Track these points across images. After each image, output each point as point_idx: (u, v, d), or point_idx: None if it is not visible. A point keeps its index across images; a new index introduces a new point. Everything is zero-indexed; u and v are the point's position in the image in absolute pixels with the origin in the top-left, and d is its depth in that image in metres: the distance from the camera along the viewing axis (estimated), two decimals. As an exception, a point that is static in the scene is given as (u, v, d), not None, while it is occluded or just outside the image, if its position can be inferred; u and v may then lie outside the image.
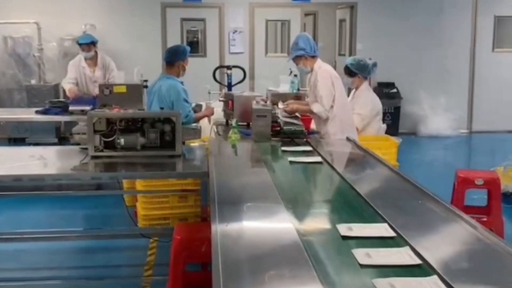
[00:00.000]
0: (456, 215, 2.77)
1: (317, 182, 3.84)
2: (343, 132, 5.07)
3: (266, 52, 11.45)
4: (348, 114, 5.35)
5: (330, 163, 4.00)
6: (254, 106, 4.90)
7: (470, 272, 2.15)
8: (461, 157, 10.25)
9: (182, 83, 5.54)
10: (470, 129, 11.83)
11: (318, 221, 2.87)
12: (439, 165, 9.09)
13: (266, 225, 2.76)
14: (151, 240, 5.29)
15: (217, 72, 6.99)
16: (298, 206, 2.99)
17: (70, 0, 10.68)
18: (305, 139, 4.85)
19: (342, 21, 12.37)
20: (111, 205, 6.03)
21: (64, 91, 8.07)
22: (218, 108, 5.92)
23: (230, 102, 5.59)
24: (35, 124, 8.82)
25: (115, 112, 4.40)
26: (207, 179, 3.74)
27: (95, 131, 4.27)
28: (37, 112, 7.03)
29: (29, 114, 7.28)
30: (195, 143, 4.92)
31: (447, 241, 2.52)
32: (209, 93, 6.31)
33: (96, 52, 7.42)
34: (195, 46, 11.12)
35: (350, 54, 10.93)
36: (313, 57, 5.16)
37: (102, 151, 4.30)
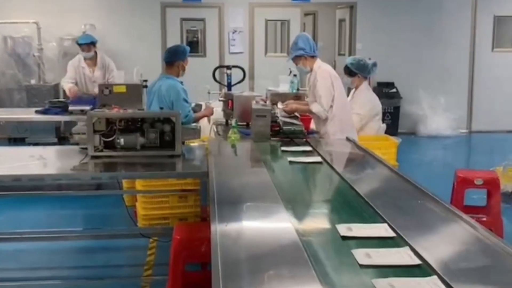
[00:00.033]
0: (456, 215, 2.77)
1: (317, 182, 3.84)
2: (342, 132, 5.08)
3: (266, 52, 11.45)
4: (347, 114, 5.35)
5: (329, 163, 4.00)
6: (254, 106, 4.91)
7: (470, 273, 2.15)
8: (460, 157, 10.26)
9: (181, 83, 5.54)
10: (469, 129, 11.83)
11: (318, 221, 2.88)
12: (438, 165, 9.10)
13: (265, 225, 2.76)
14: (151, 240, 5.29)
15: (217, 72, 6.98)
16: (298, 206, 2.99)
17: (70, 0, 10.69)
18: (304, 139, 4.85)
19: (341, 21, 12.37)
20: (111, 205, 6.03)
21: (64, 91, 8.06)
22: (218, 108, 5.92)
23: (229, 102, 5.60)
24: (34, 124, 8.82)
25: (114, 112, 4.39)
26: (206, 179, 3.74)
27: (95, 131, 4.27)
28: (37, 112, 7.03)
29: (29, 114, 7.28)
30: (194, 143, 4.92)
31: (447, 241, 2.52)
32: (209, 93, 6.31)
33: (95, 52, 7.42)
34: (194, 46, 11.12)
35: (350, 54, 10.93)
36: (313, 57, 5.16)
37: (101, 151, 4.30)
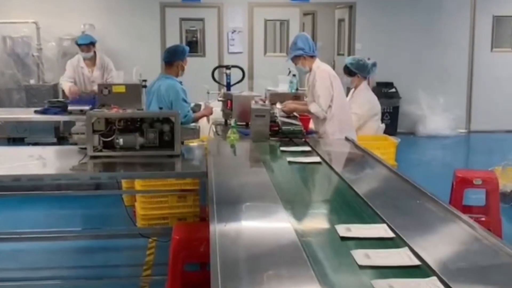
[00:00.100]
0: (455, 215, 2.78)
1: (316, 182, 3.84)
2: (341, 132, 5.08)
3: (265, 52, 11.45)
4: (346, 114, 5.36)
5: (328, 163, 4.01)
6: (253, 106, 4.91)
7: (469, 273, 2.15)
8: (459, 157, 10.26)
9: (181, 83, 5.55)
10: (468, 128, 11.84)
11: (317, 222, 2.88)
12: (437, 165, 9.10)
13: (264, 225, 2.76)
14: (150, 240, 5.29)
15: (216, 72, 6.98)
16: (297, 207, 2.99)
17: (69, 0, 10.68)
18: (303, 139, 4.85)
19: (341, 20, 12.37)
20: (110, 205, 6.03)
21: (62, 90, 8.06)
22: (217, 108, 5.92)
23: (229, 102, 5.60)
24: (34, 124, 8.82)
25: (114, 112, 4.39)
26: (206, 179, 3.74)
27: (94, 131, 4.27)
28: (36, 112, 7.02)
29: (28, 114, 7.27)
30: (194, 143, 4.92)
31: (446, 241, 2.52)
32: (208, 93, 6.31)
33: (94, 52, 7.42)
34: (194, 46, 11.13)
35: (349, 54, 10.93)
36: (312, 57, 5.17)
37: (101, 151, 4.30)
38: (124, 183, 5.86)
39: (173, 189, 5.20)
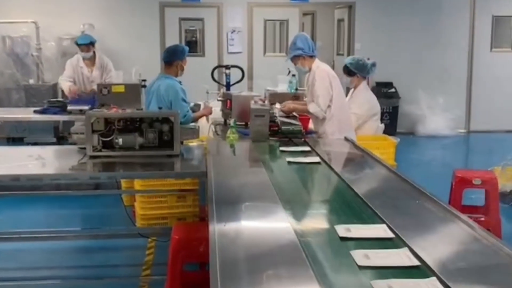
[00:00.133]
0: (454, 216, 2.78)
1: (315, 182, 3.85)
2: (341, 132, 5.08)
3: (265, 51, 11.45)
4: (346, 114, 5.36)
5: (328, 163, 4.01)
6: (252, 106, 4.90)
7: (468, 273, 2.15)
8: (459, 157, 10.26)
9: (180, 82, 5.55)
10: (468, 128, 11.84)
11: (316, 222, 2.87)
12: (437, 165, 9.10)
13: (264, 225, 2.76)
14: (149, 239, 5.29)
15: (216, 71, 6.99)
16: (296, 207, 2.99)
17: (69, 0, 10.67)
18: (303, 139, 4.85)
19: (340, 20, 12.37)
20: (109, 205, 6.03)
21: (62, 90, 8.05)
22: (217, 108, 5.93)
23: (228, 101, 5.60)
24: (33, 124, 8.81)
25: (113, 112, 4.39)
26: (205, 178, 3.74)
27: (93, 131, 4.27)
28: (35, 111, 7.02)
29: (27, 114, 7.27)
30: (193, 143, 4.92)
31: (445, 242, 2.52)
32: (208, 92, 6.31)
33: (94, 52, 7.42)
34: (193, 45, 11.13)
35: (348, 54, 10.93)
36: (311, 56, 5.17)
37: (100, 150, 4.30)
38: (124, 183, 5.86)
39: (172, 189, 5.20)
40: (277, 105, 5.36)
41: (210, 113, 5.83)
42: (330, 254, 2.37)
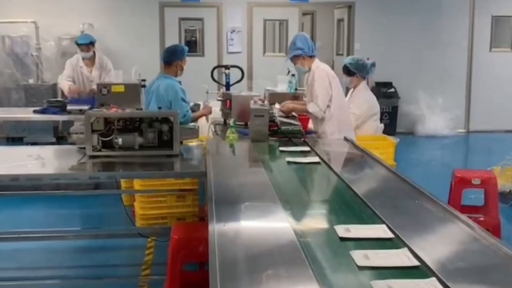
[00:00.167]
0: (453, 216, 2.78)
1: (315, 182, 3.85)
2: (340, 132, 5.08)
3: (264, 51, 11.45)
4: (345, 114, 5.36)
5: (327, 163, 4.01)
6: (252, 105, 4.91)
7: (468, 274, 2.15)
8: (458, 157, 10.27)
9: (180, 82, 5.55)
10: (467, 128, 11.85)
11: (316, 222, 2.87)
12: (436, 165, 9.10)
13: (263, 225, 2.76)
14: (149, 239, 5.29)
15: (215, 71, 6.99)
16: (296, 207, 2.99)
17: (68, 0, 10.67)
18: (302, 139, 4.85)
19: (340, 20, 12.37)
20: (109, 205, 6.03)
21: (62, 90, 8.05)
22: (216, 108, 5.93)
23: (228, 101, 5.60)
24: (33, 124, 8.81)
25: (113, 111, 4.39)
26: (205, 178, 3.74)
27: (93, 131, 4.27)
28: (35, 111, 7.01)
29: (27, 114, 7.27)
30: (193, 143, 4.93)
31: (445, 242, 2.52)
32: (207, 92, 6.31)
33: (94, 52, 7.42)
34: (193, 45, 11.13)
35: (348, 54, 10.94)
36: (311, 56, 5.17)
37: (100, 150, 4.30)
38: (123, 183, 5.86)
39: (172, 188, 5.20)
40: (277, 105, 5.36)
41: (210, 113, 5.83)
42: (330, 254, 2.37)
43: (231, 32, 11.23)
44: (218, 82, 7.06)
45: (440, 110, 11.24)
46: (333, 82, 5.13)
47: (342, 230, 2.54)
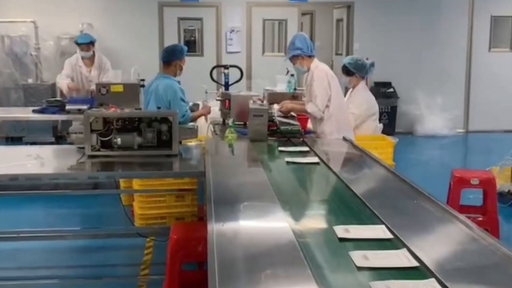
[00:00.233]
0: (452, 216, 2.78)
1: (314, 182, 3.85)
2: (339, 132, 5.08)
3: (263, 51, 11.45)
4: (344, 114, 5.37)
5: (326, 163, 4.01)
6: (251, 105, 4.91)
7: (467, 274, 2.15)
8: (457, 157, 10.27)
9: (179, 82, 5.55)
10: (466, 128, 11.85)
11: (315, 222, 2.88)
12: (435, 165, 9.11)
13: (262, 225, 2.76)
14: (148, 239, 5.29)
15: (214, 71, 6.99)
16: (295, 207, 2.99)
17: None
18: (301, 139, 4.85)
19: (339, 20, 12.38)
20: (108, 204, 6.03)
21: (61, 90, 8.04)
22: (215, 107, 5.93)
23: (227, 101, 5.60)
24: (32, 123, 8.80)
25: (112, 111, 4.39)
26: (203, 178, 3.74)
27: (92, 131, 4.27)
28: (34, 111, 7.01)
29: (26, 113, 7.27)
30: (192, 143, 4.93)
31: (444, 242, 2.52)
32: (206, 92, 6.30)
33: (93, 51, 7.41)
34: (192, 45, 11.13)
35: (347, 54, 10.94)
36: (310, 56, 5.17)
37: (99, 150, 4.30)
38: (122, 183, 5.86)
39: (171, 188, 5.20)
40: (276, 106, 5.36)
41: (209, 113, 5.83)
42: (329, 255, 2.37)
43: (230, 32, 11.23)
44: (217, 82, 7.06)
45: (439, 110, 11.25)
46: (332, 82, 5.14)
47: (341, 231, 2.54)
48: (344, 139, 4.95)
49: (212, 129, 5.54)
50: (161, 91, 5.39)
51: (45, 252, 5.16)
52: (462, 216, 2.73)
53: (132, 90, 5.69)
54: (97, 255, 5.17)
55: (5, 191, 5.29)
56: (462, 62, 11.68)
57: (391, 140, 5.97)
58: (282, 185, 3.43)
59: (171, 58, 5.57)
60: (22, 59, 10.32)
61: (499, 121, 11.60)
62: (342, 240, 2.47)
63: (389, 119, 10.98)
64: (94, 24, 10.37)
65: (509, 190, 6.54)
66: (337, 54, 12.39)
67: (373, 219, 2.75)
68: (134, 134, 4.33)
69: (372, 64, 6.27)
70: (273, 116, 5.02)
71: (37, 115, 6.96)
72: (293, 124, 4.99)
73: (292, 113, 5.34)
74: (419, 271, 2.17)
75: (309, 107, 5.12)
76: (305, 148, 4.50)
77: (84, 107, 6.28)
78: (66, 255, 5.17)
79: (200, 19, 11.29)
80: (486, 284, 2.08)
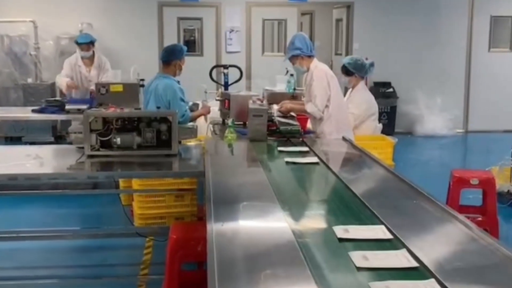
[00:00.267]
0: (452, 216, 2.78)
1: (313, 183, 3.84)
2: (339, 132, 5.08)
3: (263, 51, 11.45)
4: (344, 114, 5.36)
5: (326, 163, 4.01)
6: (251, 105, 4.91)
7: (466, 274, 2.15)
8: (456, 157, 10.27)
9: (178, 82, 5.55)
10: (466, 128, 11.86)
11: (314, 223, 2.87)
12: (435, 165, 9.11)
13: (261, 225, 2.76)
14: (147, 239, 5.29)
15: (214, 71, 6.99)
16: (294, 207, 2.98)
17: (67, -1, 10.69)
18: (301, 139, 4.85)
19: (338, 20, 12.38)
20: (107, 204, 6.03)
21: (60, 90, 8.05)
22: (215, 107, 5.92)
23: (226, 101, 5.59)
24: (31, 123, 8.79)
25: (111, 111, 4.39)
26: (203, 178, 3.74)
27: (92, 130, 4.27)
28: (33, 111, 7.02)
29: (25, 113, 7.27)
30: (191, 142, 4.93)
31: (443, 242, 2.52)
32: (206, 92, 6.30)
33: (93, 51, 7.41)
34: (191, 45, 11.12)
35: (347, 54, 10.94)
36: (310, 56, 5.17)
37: (98, 150, 4.30)
38: (122, 182, 5.86)
39: (170, 188, 5.20)
40: (275, 106, 5.36)
41: (208, 113, 5.83)
42: (328, 255, 2.37)
43: (230, 32, 11.23)
44: (216, 82, 7.06)
45: (439, 110, 11.25)
46: (332, 82, 5.13)
47: (341, 231, 2.54)
48: (344, 139, 4.94)
49: (212, 129, 5.54)
50: (160, 91, 5.38)
51: (45, 252, 5.16)
52: (461, 216, 2.73)
53: (131, 90, 5.70)
54: (96, 255, 5.16)
55: (4, 191, 5.28)
56: (461, 62, 11.68)
57: (391, 140, 5.97)
58: (282, 185, 3.43)
59: (170, 58, 5.57)
60: (22, 58, 10.31)
61: (499, 121, 11.61)
62: (341, 240, 2.47)
63: (388, 119, 10.98)
64: (94, 24, 10.37)
65: (508, 190, 6.54)
66: (336, 54, 12.39)
67: (372, 219, 2.75)
68: (134, 134, 4.33)
69: (372, 64, 6.27)
70: (273, 116, 5.02)
71: (37, 115, 6.97)
72: (293, 124, 4.99)
73: (292, 113, 5.34)
74: (419, 272, 2.17)
75: (309, 107, 5.11)
76: (305, 148, 4.49)
77: (84, 107, 6.29)
78: (66, 255, 5.17)
79: (199, 19, 11.29)
80: (486, 284, 2.08)
